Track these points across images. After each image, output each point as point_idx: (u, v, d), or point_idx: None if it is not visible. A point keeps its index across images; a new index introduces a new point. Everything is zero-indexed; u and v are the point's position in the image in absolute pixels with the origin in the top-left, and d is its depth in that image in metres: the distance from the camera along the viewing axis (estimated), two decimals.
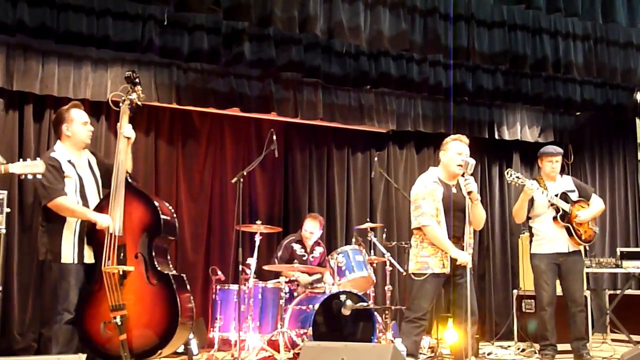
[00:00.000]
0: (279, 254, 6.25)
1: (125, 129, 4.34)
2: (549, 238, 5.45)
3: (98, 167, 4.42)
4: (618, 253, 6.89)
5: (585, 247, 5.86)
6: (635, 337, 6.40)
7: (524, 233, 6.91)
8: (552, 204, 5.40)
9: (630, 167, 8.21)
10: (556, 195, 5.41)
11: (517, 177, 5.19)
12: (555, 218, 5.39)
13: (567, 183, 5.64)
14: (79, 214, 4.13)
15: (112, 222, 4.11)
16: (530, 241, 5.60)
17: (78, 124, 4.30)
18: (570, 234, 5.40)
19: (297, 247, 6.31)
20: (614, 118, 8.15)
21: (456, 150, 4.61)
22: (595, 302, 7.03)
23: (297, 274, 6.02)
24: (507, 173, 5.24)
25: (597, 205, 5.60)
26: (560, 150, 5.70)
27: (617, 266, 6.78)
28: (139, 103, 4.42)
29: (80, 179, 4.23)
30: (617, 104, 7.61)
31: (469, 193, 4.42)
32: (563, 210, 5.38)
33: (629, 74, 6.46)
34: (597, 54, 6.35)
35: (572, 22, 6.22)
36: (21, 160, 3.77)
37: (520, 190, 5.36)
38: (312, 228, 6.32)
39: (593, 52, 6.32)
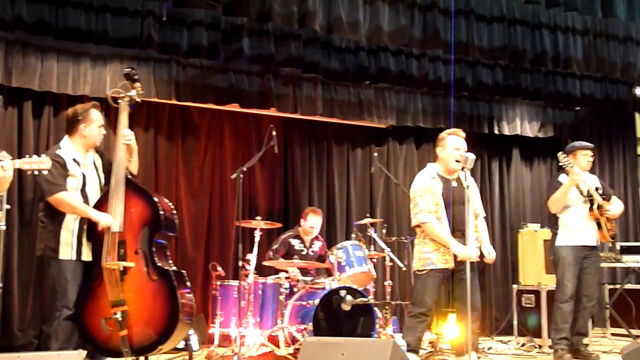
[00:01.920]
0: (275, 247, 6.22)
1: (125, 132, 4.29)
2: (578, 230, 5.37)
3: (104, 167, 4.40)
4: (618, 247, 6.88)
5: (610, 242, 5.93)
6: (635, 332, 6.41)
7: (523, 228, 6.92)
8: (588, 196, 5.34)
9: (629, 161, 8.22)
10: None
11: (568, 161, 5.18)
12: (591, 209, 5.32)
13: (593, 180, 5.60)
14: (80, 211, 4.12)
15: (113, 220, 4.10)
16: (555, 233, 5.49)
17: (96, 126, 4.30)
18: (599, 228, 5.38)
19: (295, 242, 6.29)
20: (613, 113, 8.15)
21: (454, 145, 4.61)
22: None
23: (293, 271, 5.96)
24: (561, 155, 5.22)
25: (619, 205, 5.62)
26: (593, 145, 5.69)
27: (617, 260, 6.78)
28: (138, 100, 4.41)
29: (84, 177, 4.22)
30: (617, 98, 7.62)
31: None
32: (597, 203, 5.34)
33: (629, 68, 6.47)
34: (597, 49, 6.35)
35: (571, 17, 6.22)
36: (27, 156, 3.74)
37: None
38: (315, 223, 6.28)
39: (592, 46, 6.33)
